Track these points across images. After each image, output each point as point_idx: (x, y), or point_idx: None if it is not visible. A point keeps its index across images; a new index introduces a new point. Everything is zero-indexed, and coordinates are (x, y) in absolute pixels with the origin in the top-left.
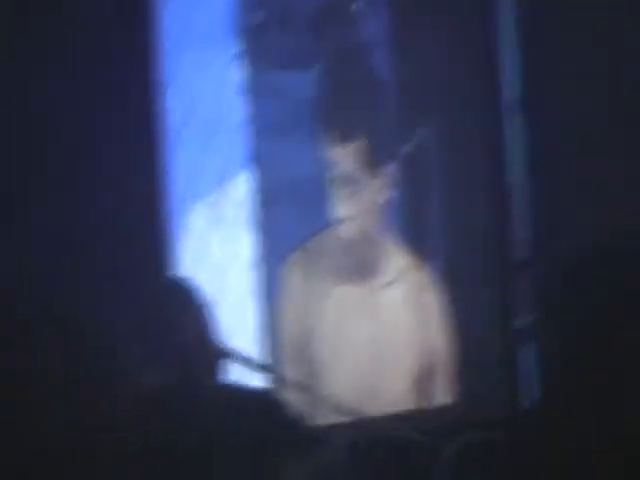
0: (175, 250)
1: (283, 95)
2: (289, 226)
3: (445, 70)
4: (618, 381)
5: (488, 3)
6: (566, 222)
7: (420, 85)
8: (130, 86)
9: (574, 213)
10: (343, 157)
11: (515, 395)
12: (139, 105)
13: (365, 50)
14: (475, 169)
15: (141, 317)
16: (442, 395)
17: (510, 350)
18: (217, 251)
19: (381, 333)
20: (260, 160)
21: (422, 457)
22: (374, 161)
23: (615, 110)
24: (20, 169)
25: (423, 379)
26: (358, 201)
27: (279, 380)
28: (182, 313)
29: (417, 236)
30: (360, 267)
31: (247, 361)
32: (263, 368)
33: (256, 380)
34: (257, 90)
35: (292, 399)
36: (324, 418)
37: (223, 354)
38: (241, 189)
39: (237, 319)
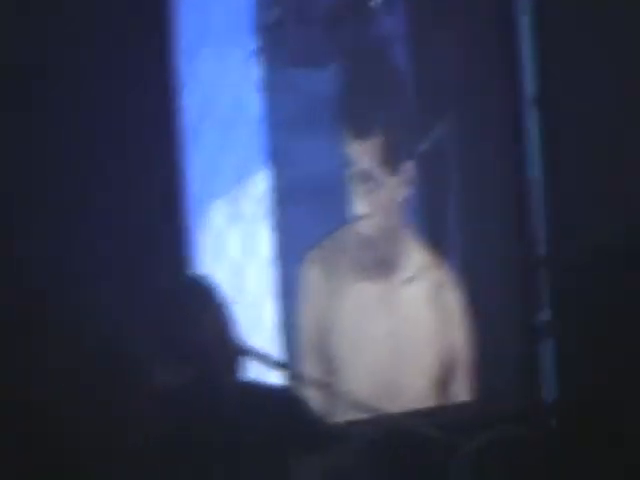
0: (194, 248)
1: (301, 92)
2: (308, 223)
3: (462, 67)
4: (635, 377)
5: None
6: (583, 220)
7: (438, 82)
8: (147, 84)
9: (591, 211)
10: (361, 154)
11: (534, 392)
12: (157, 103)
13: (383, 47)
14: (493, 166)
15: (160, 315)
16: (461, 392)
17: (529, 347)
18: (235, 249)
19: (400, 330)
20: (278, 157)
21: (440, 453)
22: (392, 158)
23: (633, 108)
24: (37, 169)
25: (442, 376)
26: (376, 198)
27: (298, 377)
28: (201, 311)
29: (435, 233)
30: (379, 264)
31: (265, 358)
32: (281, 365)
33: (274, 377)
34: (275, 87)
35: (311, 396)
36: (343, 415)
37: (242, 352)
38: (259, 187)
39: (256, 317)
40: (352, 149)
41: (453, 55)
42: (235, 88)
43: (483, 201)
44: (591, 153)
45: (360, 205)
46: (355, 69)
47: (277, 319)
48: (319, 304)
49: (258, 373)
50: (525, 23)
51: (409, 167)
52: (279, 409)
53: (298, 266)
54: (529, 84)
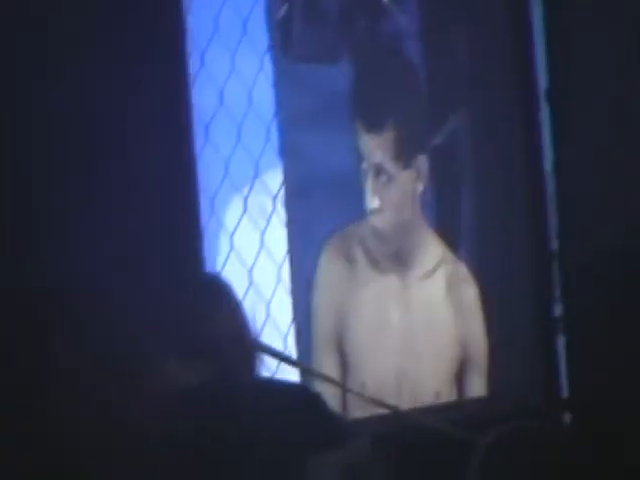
0: (209, 245)
1: (313, 87)
2: (321, 218)
3: (475, 61)
4: None
5: None
6: (595, 215)
7: (450, 76)
8: (159, 81)
9: (604, 206)
10: (373, 148)
11: (549, 387)
12: (169, 100)
13: (395, 42)
14: (506, 160)
15: (175, 313)
16: (477, 387)
17: (544, 342)
18: (249, 245)
19: (416, 324)
20: (291, 153)
21: (456, 449)
22: (404, 152)
23: None
24: (50, 167)
25: (457, 371)
26: (390, 192)
27: (313, 374)
28: (216, 309)
29: (448, 227)
30: (395, 258)
31: (281, 355)
32: (297, 362)
33: (290, 374)
34: (287, 83)
35: (326, 392)
36: (358, 411)
37: (257, 349)
38: (273, 182)
39: (271, 313)
40: (365, 143)
41: (465, 49)
42: (247, 84)
43: (496, 195)
44: (605, 147)
45: (373, 199)
46: (367, 64)
47: (293, 315)
48: (335, 299)
49: (274, 370)
50: (537, 17)
51: (422, 161)
52: (295, 406)
53: (313, 261)
54: (542, 78)
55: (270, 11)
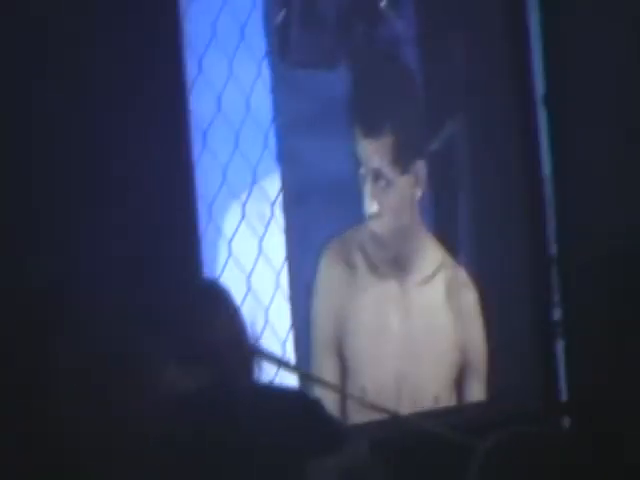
0: (207, 251)
1: (311, 93)
2: (320, 223)
3: (472, 67)
4: None
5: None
6: (593, 220)
7: (447, 82)
8: (157, 87)
9: (601, 210)
10: (371, 153)
11: (548, 392)
12: (166, 106)
13: (393, 47)
14: (503, 165)
15: (174, 319)
16: (476, 392)
17: (543, 346)
18: (248, 250)
19: (415, 329)
20: (289, 158)
21: (456, 454)
22: (402, 157)
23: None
24: (48, 173)
25: (457, 376)
26: (389, 197)
27: (312, 379)
28: (215, 314)
29: (446, 232)
30: (394, 263)
31: (280, 361)
32: (296, 368)
33: (289, 380)
34: (285, 88)
35: (325, 398)
36: (358, 416)
37: (257, 354)
38: (272, 188)
39: (270, 319)
40: (363, 148)
41: (463, 55)
42: (245, 90)
43: (494, 200)
44: (602, 152)
45: (372, 204)
46: (365, 69)
47: (292, 321)
48: (334, 304)
49: (273, 375)
50: (534, 23)
51: (420, 166)
52: (293, 411)
53: (311, 267)
54: (539, 83)
55: (268, 17)
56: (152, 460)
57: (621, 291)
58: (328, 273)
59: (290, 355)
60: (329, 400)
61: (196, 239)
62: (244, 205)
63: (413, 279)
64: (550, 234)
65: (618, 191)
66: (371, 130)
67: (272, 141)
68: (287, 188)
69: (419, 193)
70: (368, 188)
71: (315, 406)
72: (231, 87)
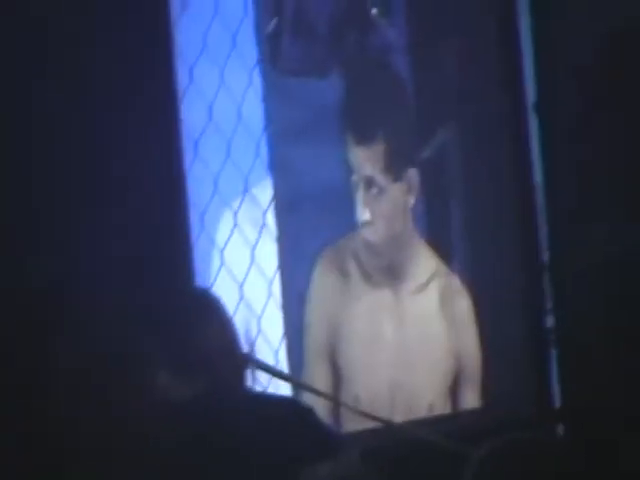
0: (199, 260)
1: (302, 101)
2: (312, 231)
3: (463, 75)
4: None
5: (506, 7)
6: (585, 226)
7: (438, 90)
8: (148, 96)
9: (594, 217)
10: (363, 161)
11: (542, 399)
12: (157, 114)
13: (385, 55)
14: (495, 173)
15: (167, 328)
16: (470, 399)
17: (536, 354)
18: (240, 259)
19: (409, 337)
20: (281, 166)
21: (450, 461)
22: (394, 165)
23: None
24: (43, 178)
25: (451, 383)
26: (382, 204)
27: (305, 388)
28: (207, 323)
29: (439, 240)
30: (387, 271)
31: (273, 370)
32: (289, 376)
33: (282, 388)
34: (276, 97)
35: (319, 406)
36: (351, 424)
37: (249, 363)
38: (264, 196)
39: (262, 327)
40: (355, 156)
41: (454, 63)
42: (236, 99)
43: (486, 208)
44: (594, 159)
45: (364, 212)
46: (356, 78)
47: (284, 330)
48: (327, 312)
49: (266, 384)
50: (525, 30)
51: (413, 174)
52: (286, 419)
53: (304, 276)
54: (530, 91)
55: (259, 25)
56: (147, 463)
57: (613, 298)
58: (322, 281)
59: (283, 364)
60: (322, 408)
61: (188, 248)
62: (236, 214)
63: (407, 287)
64: (542, 241)
65: (609, 198)
66: (363, 138)
67: (264, 149)
68: (279, 196)
69: (412, 201)
70: (360, 196)
71: (308, 414)
72: (222, 96)
